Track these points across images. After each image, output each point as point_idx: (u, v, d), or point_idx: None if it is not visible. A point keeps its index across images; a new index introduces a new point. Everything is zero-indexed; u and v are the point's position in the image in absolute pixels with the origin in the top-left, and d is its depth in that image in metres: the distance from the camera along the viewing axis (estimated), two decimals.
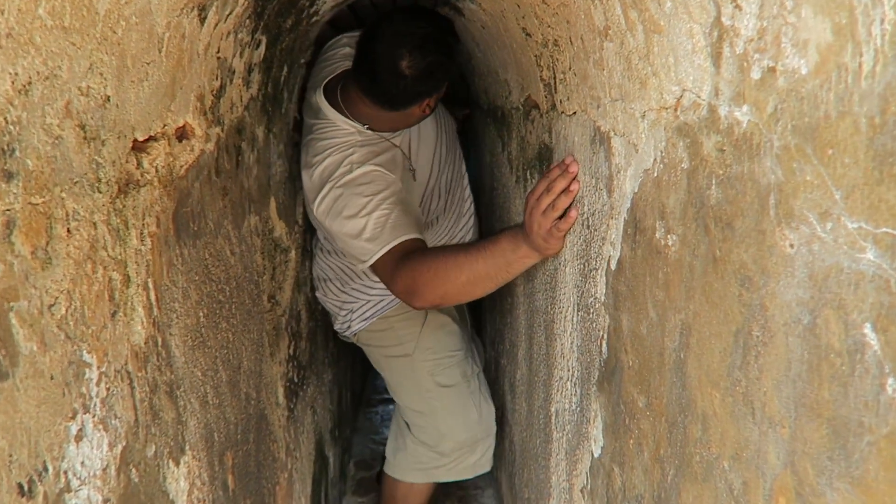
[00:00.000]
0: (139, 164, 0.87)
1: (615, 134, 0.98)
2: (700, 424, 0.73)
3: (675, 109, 0.76)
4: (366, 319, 1.97)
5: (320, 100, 1.71)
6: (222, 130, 1.24)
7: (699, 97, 0.68)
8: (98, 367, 0.74)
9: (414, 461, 2.04)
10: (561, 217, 1.22)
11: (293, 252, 1.94)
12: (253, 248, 1.49)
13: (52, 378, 0.64)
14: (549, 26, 1.23)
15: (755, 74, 0.56)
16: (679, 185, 0.75)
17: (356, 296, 1.95)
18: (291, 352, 1.86)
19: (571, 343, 1.31)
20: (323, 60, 1.87)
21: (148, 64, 0.86)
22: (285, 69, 1.76)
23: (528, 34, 1.42)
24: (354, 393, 3.39)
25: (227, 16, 1.13)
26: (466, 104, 2.85)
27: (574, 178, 1.18)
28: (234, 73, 1.27)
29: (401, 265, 1.47)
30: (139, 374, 0.85)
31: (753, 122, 0.57)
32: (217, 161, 1.21)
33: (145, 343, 0.87)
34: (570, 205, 1.21)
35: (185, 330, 1.03)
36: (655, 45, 0.77)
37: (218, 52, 1.15)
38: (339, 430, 2.77)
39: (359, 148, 1.62)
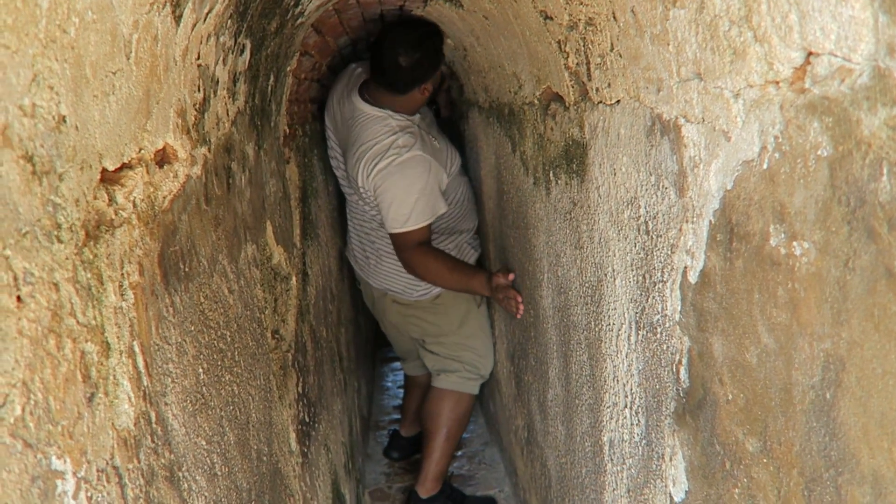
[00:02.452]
0: (112, 200, 0.69)
1: (688, 121, 0.82)
2: (869, 487, 0.56)
3: (796, 82, 0.60)
4: None
5: (357, 100, 2.25)
6: (209, 150, 1.06)
7: (848, 60, 0.52)
8: (74, 473, 0.56)
9: (462, 383, 2.63)
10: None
11: (293, 279, 1.76)
12: (252, 282, 1.31)
13: None
14: (580, 4, 1.06)
15: None
16: (813, 179, 0.58)
17: None
18: (300, 390, 1.67)
19: (629, 366, 1.14)
20: (343, 78, 2.43)
21: (114, 73, 0.68)
22: (272, 78, 1.59)
23: (547, 17, 1.25)
24: (363, 418, 3.21)
25: (207, 15, 0.95)
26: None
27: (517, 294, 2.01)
28: (217, 83, 1.09)
29: (415, 253, 2.16)
30: (129, 466, 0.67)
31: None
32: (206, 187, 1.03)
33: (135, 424, 0.69)
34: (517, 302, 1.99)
35: (182, 395, 0.85)
36: (764, 1, 0.60)
37: (198, 58, 0.97)
38: (353, 461, 2.58)
39: (401, 133, 2.16)
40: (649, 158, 0.95)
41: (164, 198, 0.85)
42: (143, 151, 0.78)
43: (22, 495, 0.48)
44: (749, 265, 0.71)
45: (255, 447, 1.19)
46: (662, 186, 0.92)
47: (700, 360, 0.86)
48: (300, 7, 1.56)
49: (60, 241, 0.57)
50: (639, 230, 1.03)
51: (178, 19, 0.84)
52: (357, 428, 2.87)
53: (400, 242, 2.18)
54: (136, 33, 0.72)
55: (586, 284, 1.34)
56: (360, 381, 3.22)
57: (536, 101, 1.57)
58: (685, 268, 0.88)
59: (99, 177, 0.66)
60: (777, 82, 0.62)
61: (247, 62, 1.28)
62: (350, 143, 2.24)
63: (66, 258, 0.58)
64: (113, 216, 0.69)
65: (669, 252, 0.92)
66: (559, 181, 1.46)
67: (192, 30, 0.91)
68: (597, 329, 1.30)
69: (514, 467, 2.64)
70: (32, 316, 0.52)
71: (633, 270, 1.07)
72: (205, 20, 0.95)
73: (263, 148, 1.53)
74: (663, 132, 0.90)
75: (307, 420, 1.72)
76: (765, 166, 0.66)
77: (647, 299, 1.02)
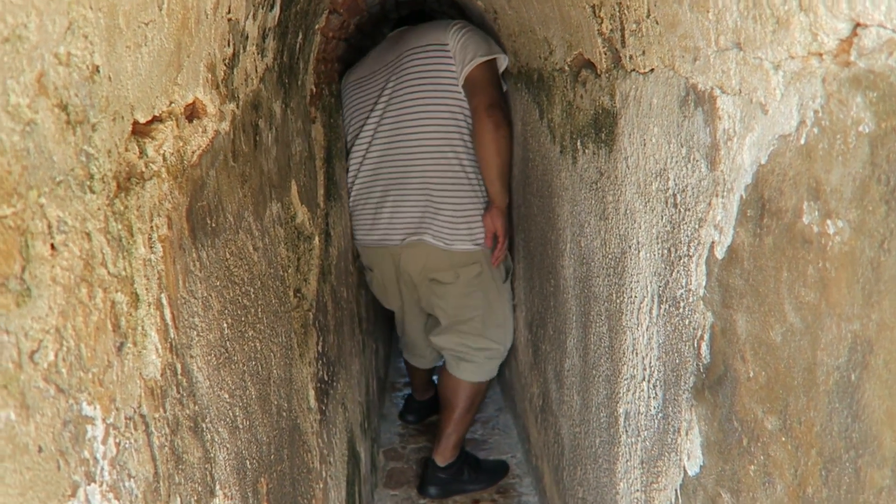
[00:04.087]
0: (142, 153, 0.70)
1: (724, 92, 0.80)
2: (889, 470, 0.56)
3: (840, 54, 0.58)
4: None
5: (392, 33, 2.45)
6: (237, 107, 1.05)
7: None
8: (104, 420, 0.57)
9: (483, 371, 2.51)
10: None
11: (316, 239, 1.77)
12: (276, 240, 1.32)
13: (40, 450, 0.48)
14: None
15: None
16: (852, 156, 0.57)
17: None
18: (320, 349, 1.70)
19: (649, 339, 1.13)
20: (363, 62, 2.48)
21: (146, 24, 0.68)
22: (300, 36, 1.57)
23: None
24: (380, 379, 3.25)
25: None
26: None
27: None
28: (247, 38, 1.09)
29: (504, 111, 2.16)
30: (156, 416, 0.68)
31: None
32: (234, 143, 1.03)
33: (162, 374, 0.71)
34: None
35: (207, 348, 0.86)
36: None
37: (228, 12, 0.96)
38: (368, 421, 2.63)
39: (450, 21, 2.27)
40: (681, 130, 0.94)
41: (193, 152, 0.85)
42: (173, 105, 0.78)
43: (54, 438, 0.50)
44: (779, 242, 0.70)
45: (276, 402, 1.21)
46: (693, 159, 0.90)
47: (722, 337, 0.86)
48: None
49: (93, 192, 0.58)
50: (666, 203, 1.02)
51: None
52: (374, 388, 2.91)
53: (493, 77, 2.14)
54: None
55: (609, 256, 1.33)
56: (378, 342, 3.25)
57: (567, 68, 1.54)
58: (712, 243, 0.87)
59: (130, 129, 0.67)
60: (821, 54, 0.60)
61: (276, 18, 1.27)
62: (406, 45, 2.24)
63: (98, 209, 0.59)
64: (143, 168, 0.70)
65: (697, 226, 0.91)
66: (586, 150, 1.44)
67: None
68: (618, 301, 1.30)
69: (527, 434, 2.67)
70: (65, 264, 0.53)
71: (658, 243, 1.06)
72: None
73: (290, 106, 1.53)
74: (697, 103, 0.88)
75: (326, 379, 1.75)
76: (802, 141, 0.64)
77: (672, 273, 1.01)
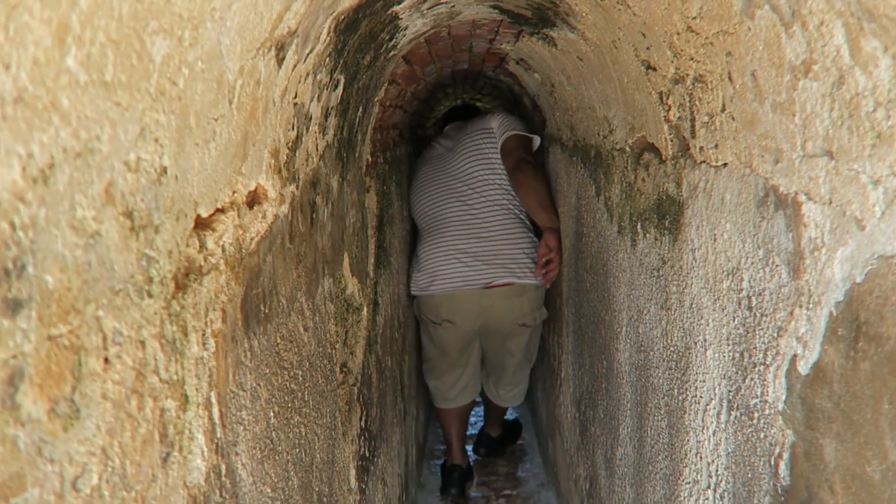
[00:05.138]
0: (202, 246, 0.68)
1: (810, 199, 0.75)
2: None
3: None
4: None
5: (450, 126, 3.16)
6: (297, 187, 1.05)
7: None
8: None
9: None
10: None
11: (365, 310, 1.74)
12: (326, 317, 1.29)
13: None
14: (691, 59, 1.01)
15: None
16: None
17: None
18: (363, 424, 1.65)
19: (716, 445, 1.06)
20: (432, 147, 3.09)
21: (215, 120, 0.67)
22: (360, 110, 1.59)
23: (650, 67, 1.20)
24: (419, 447, 3.17)
25: (308, 55, 0.94)
26: None
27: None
28: (310, 119, 1.09)
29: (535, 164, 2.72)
30: None
31: None
32: (291, 224, 1.02)
33: (206, 479, 0.67)
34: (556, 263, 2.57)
35: (253, 442, 0.83)
36: None
37: (295, 97, 0.96)
38: (406, 493, 2.54)
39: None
40: (758, 231, 0.88)
41: (252, 240, 0.84)
42: (236, 195, 0.77)
43: None
44: (879, 371, 0.64)
45: (317, 489, 1.17)
46: (772, 263, 0.85)
47: (806, 460, 0.78)
48: (394, 41, 1.56)
49: (151, 296, 0.56)
50: (739, 304, 0.96)
51: (280, 62, 0.84)
52: (413, 457, 2.83)
53: (523, 143, 2.69)
54: (240, 79, 0.72)
55: (671, 349, 1.27)
56: (419, 408, 3.19)
57: (628, 149, 1.51)
58: (794, 356, 0.80)
59: (193, 225, 0.65)
60: None
61: (339, 96, 1.28)
62: (464, 133, 2.87)
63: (155, 313, 0.57)
64: (202, 263, 0.68)
65: (776, 335, 0.85)
66: (647, 235, 1.39)
67: (293, 70, 0.91)
68: (680, 398, 1.22)
69: None
70: (117, 377, 0.50)
71: (728, 345, 1.00)
72: (305, 60, 0.95)
73: (347, 179, 1.53)
74: (778, 206, 0.83)
75: (367, 455, 1.69)
76: None
77: (745, 380, 0.95)
